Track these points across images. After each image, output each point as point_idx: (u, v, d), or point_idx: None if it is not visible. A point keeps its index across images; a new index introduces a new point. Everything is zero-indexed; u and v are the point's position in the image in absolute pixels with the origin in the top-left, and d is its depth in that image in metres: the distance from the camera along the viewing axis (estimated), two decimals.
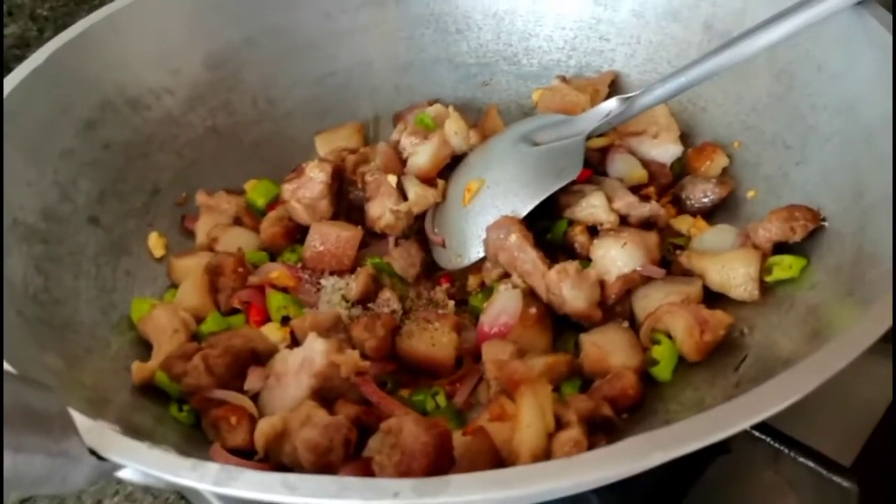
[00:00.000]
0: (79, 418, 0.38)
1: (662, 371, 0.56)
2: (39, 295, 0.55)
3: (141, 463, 0.38)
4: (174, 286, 0.64)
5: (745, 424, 0.38)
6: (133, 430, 0.41)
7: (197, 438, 0.53)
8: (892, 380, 0.64)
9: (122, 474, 0.39)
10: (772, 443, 0.57)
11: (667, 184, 0.70)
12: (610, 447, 0.37)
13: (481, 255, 0.63)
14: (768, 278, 0.59)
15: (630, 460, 0.36)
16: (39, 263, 0.56)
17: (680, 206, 0.68)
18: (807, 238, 0.58)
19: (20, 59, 0.65)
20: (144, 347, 0.58)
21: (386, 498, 0.35)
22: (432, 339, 0.57)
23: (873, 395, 0.63)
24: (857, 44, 0.58)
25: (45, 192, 0.60)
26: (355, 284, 0.61)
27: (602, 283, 0.59)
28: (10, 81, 0.60)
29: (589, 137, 0.67)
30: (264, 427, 0.49)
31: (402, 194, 0.66)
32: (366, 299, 0.62)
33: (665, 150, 0.70)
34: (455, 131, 0.68)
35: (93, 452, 0.38)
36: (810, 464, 0.55)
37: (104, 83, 0.66)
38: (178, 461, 0.38)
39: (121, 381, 0.55)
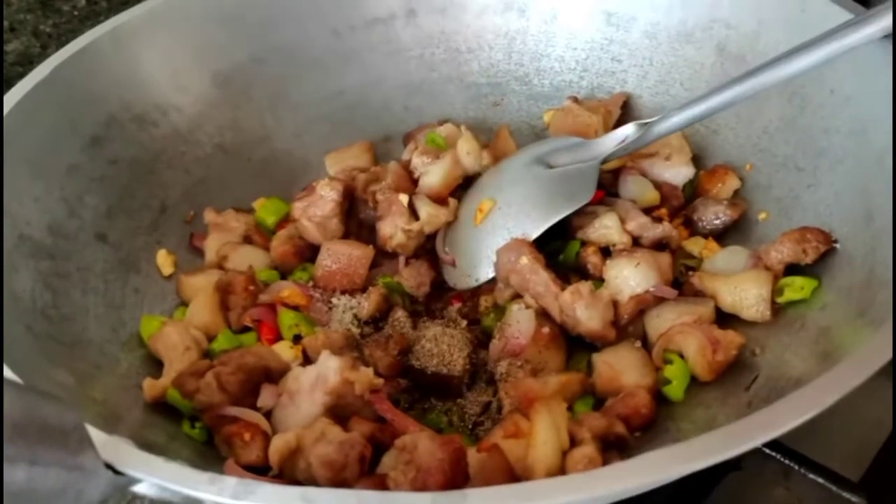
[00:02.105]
0: (94, 433, 0.42)
1: (675, 390, 0.62)
2: (48, 311, 0.60)
3: (158, 476, 0.42)
4: (184, 304, 0.70)
5: (760, 441, 0.42)
6: (146, 447, 0.44)
7: (209, 455, 0.58)
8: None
9: (138, 489, 0.43)
10: (782, 459, 0.63)
11: (679, 206, 0.76)
12: (627, 461, 0.41)
13: (491, 275, 0.70)
14: (780, 299, 0.65)
15: (648, 474, 0.40)
16: (47, 279, 0.62)
17: (692, 228, 0.75)
18: (818, 260, 0.65)
19: (23, 75, 0.70)
20: (154, 365, 0.64)
21: None
22: (444, 357, 0.63)
23: (881, 415, 0.70)
24: (870, 67, 0.64)
25: (52, 208, 0.66)
26: (367, 303, 0.67)
27: (615, 304, 0.66)
28: (14, 95, 0.66)
29: (604, 162, 0.73)
30: (279, 443, 0.55)
31: (414, 214, 0.72)
32: (377, 318, 0.68)
33: (677, 173, 0.77)
34: (467, 151, 0.75)
35: (108, 466, 0.41)
36: (820, 480, 0.61)
37: (110, 98, 0.73)
38: (196, 475, 0.41)
39: (132, 398, 0.60)
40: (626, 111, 0.83)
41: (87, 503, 0.41)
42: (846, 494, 0.58)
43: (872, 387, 0.77)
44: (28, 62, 0.76)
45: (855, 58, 0.63)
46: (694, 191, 0.78)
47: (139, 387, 0.61)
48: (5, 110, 0.64)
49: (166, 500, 0.45)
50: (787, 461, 0.63)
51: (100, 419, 0.52)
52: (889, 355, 0.46)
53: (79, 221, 0.68)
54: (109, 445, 0.42)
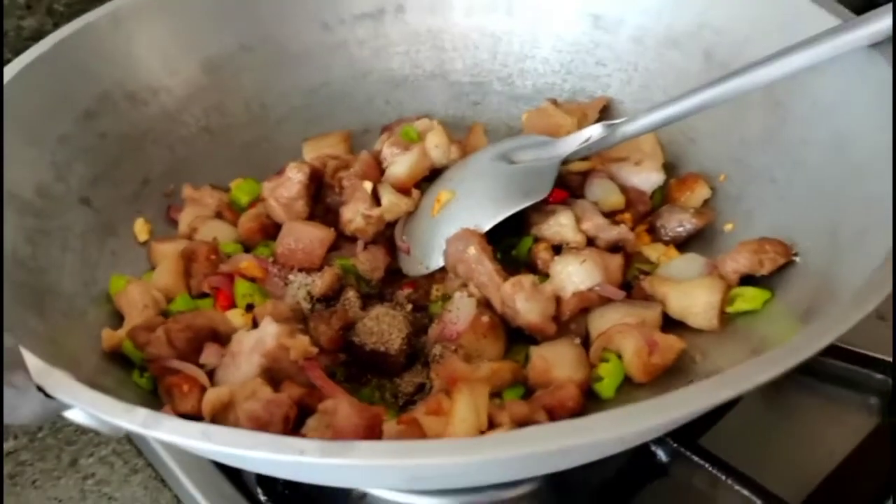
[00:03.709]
0: (32, 360, 0.48)
1: (606, 388, 0.65)
2: (27, 262, 0.66)
3: (82, 402, 0.47)
4: (153, 268, 0.76)
5: (652, 423, 0.43)
6: (98, 390, 0.48)
7: (153, 403, 0.64)
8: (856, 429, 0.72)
9: (70, 415, 0.49)
10: (710, 469, 0.65)
11: (644, 212, 0.78)
12: (517, 431, 0.42)
13: (442, 264, 0.73)
14: (730, 309, 0.67)
15: (536, 443, 0.41)
16: (30, 235, 0.68)
17: (655, 235, 0.77)
18: (774, 272, 0.66)
19: None
20: (118, 320, 0.70)
21: (293, 454, 0.42)
22: (383, 336, 0.67)
23: (835, 445, 0.71)
24: (855, 78, 0.64)
25: (41, 172, 0.72)
26: (321, 282, 0.72)
27: (558, 299, 0.69)
28: (16, 65, 0.72)
29: (566, 161, 0.76)
30: (211, 396, 0.60)
31: (377, 201, 0.77)
32: (330, 297, 0.72)
33: (647, 178, 0.79)
34: (436, 144, 0.79)
35: (40, 390, 0.47)
36: (746, 493, 0.63)
37: (104, 76, 0.79)
38: (114, 404, 0.46)
39: (92, 346, 0.66)
40: (605, 116, 0.86)
41: (23, 419, 0.48)
42: None
43: (835, 413, 0.78)
44: (40, 37, 0.83)
45: (840, 67, 0.64)
46: (663, 198, 0.80)
47: (100, 338, 0.67)
48: (6, 78, 0.71)
49: (98, 430, 0.50)
50: (715, 471, 0.65)
51: (59, 360, 0.55)
52: (811, 350, 0.45)
53: (65, 186, 0.74)
54: (44, 372, 0.48)
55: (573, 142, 0.75)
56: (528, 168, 0.76)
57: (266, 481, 0.70)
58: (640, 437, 0.55)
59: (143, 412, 0.46)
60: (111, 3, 0.80)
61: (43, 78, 0.74)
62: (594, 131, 0.75)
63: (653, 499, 0.67)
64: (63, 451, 0.78)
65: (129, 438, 0.78)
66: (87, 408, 0.47)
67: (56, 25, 0.88)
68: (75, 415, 0.49)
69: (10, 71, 0.72)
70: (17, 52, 0.86)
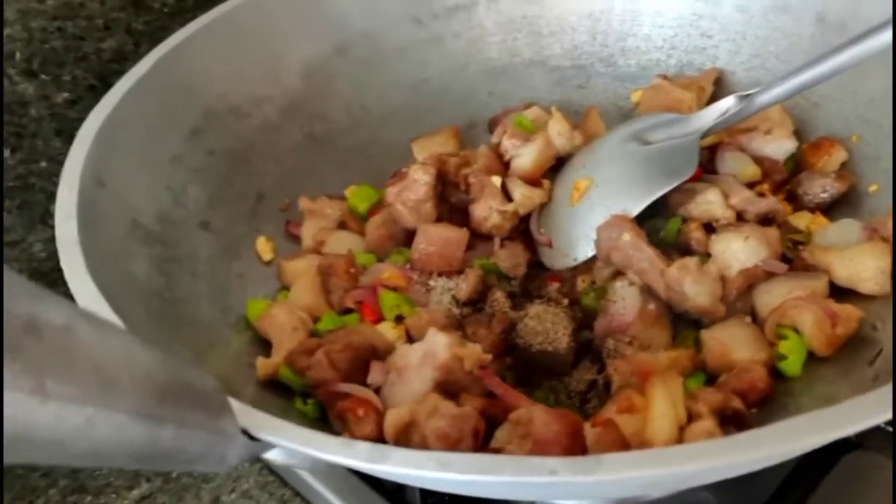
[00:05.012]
0: (230, 400, 0.44)
1: (791, 366, 0.62)
2: (164, 293, 0.63)
3: (292, 441, 0.43)
4: (285, 288, 0.73)
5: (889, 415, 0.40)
6: None
7: (321, 430, 0.59)
8: None
9: (268, 455, 0.45)
10: None
11: (781, 181, 0.76)
12: (756, 430, 0.39)
13: (590, 254, 0.71)
14: None
15: (776, 444, 0.39)
16: (161, 265, 0.65)
17: (796, 203, 0.75)
18: None
19: (118, 73, 0.74)
20: (262, 346, 0.67)
21: (542, 475, 0.39)
22: (548, 335, 0.64)
23: None
24: None
25: (159, 198, 0.69)
26: (465, 285, 0.69)
27: (723, 279, 0.66)
28: (118, 90, 0.69)
29: (704, 136, 0.74)
30: (393, 417, 0.57)
31: (507, 196, 0.74)
32: (475, 300, 0.70)
33: (779, 147, 0.77)
34: (559, 132, 0.77)
35: (244, 432, 0.43)
36: None
37: (206, 91, 0.76)
38: (329, 439, 0.43)
39: (244, 376, 0.63)
40: (718, 88, 0.84)
41: (227, 466, 0.43)
42: None
43: None
44: (123, 59, 0.81)
45: None
46: (796, 165, 0.78)
47: (251, 365, 0.64)
48: (111, 107, 0.68)
49: (293, 465, 0.47)
50: None
51: None
52: None
53: (184, 211, 0.71)
54: (243, 412, 0.44)
55: (710, 115, 0.73)
56: (666, 147, 0.73)
57: (429, 496, 0.67)
58: None
59: (364, 446, 0.42)
60: (202, 17, 0.77)
61: (147, 100, 0.71)
62: (729, 103, 0.72)
63: (847, 472, 0.65)
64: (202, 490, 0.74)
65: (270, 469, 0.75)
66: (299, 446, 0.43)
67: (137, 45, 0.85)
68: (274, 454, 0.46)
69: (116, 94, 0.69)
70: (101, 76, 0.84)
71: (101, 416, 0.31)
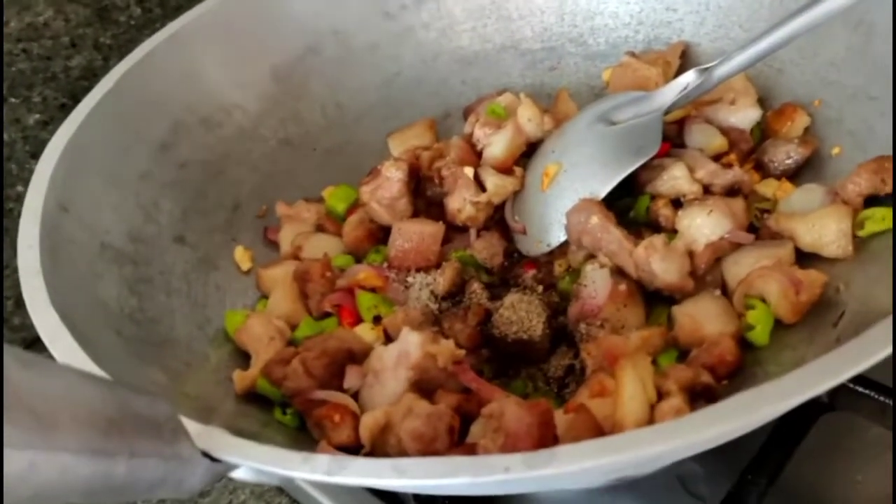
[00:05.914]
0: (188, 423, 0.44)
1: (759, 335, 0.64)
2: (135, 314, 0.64)
3: (253, 460, 0.43)
4: (264, 297, 0.75)
5: (853, 372, 0.41)
6: (240, 436, 0.46)
7: (302, 439, 0.62)
8: None
9: (235, 475, 0.46)
10: (877, 397, 0.65)
11: (748, 150, 0.78)
12: (716, 405, 0.40)
13: (563, 239, 0.73)
14: (861, 233, 0.66)
15: (739, 417, 0.40)
16: (132, 284, 0.66)
17: (764, 171, 0.76)
18: None
19: (89, 89, 0.74)
20: (242, 358, 0.69)
21: (497, 473, 0.40)
22: (524, 323, 0.66)
23: None
24: None
25: (129, 216, 0.70)
26: (442, 279, 0.71)
27: (690, 254, 0.68)
28: (83, 108, 0.70)
29: (667, 112, 0.75)
30: (368, 421, 0.58)
31: (480, 186, 0.76)
32: (454, 293, 0.72)
33: (744, 116, 0.78)
34: (528, 118, 0.78)
35: (205, 454, 0.43)
36: None
37: (174, 104, 0.77)
38: (290, 455, 0.43)
39: (223, 391, 0.64)
40: (685, 61, 0.85)
41: (189, 490, 0.43)
42: None
43: None
44: (93, 75, 0.82)
45: None
46: (762, 133, 0.79)
47: (229, 379, 0.65)
48: (74, 128, 0.68)
49: (262, 483, 0.47)
50: (882, 398, 0.65)
51: (195, 412, 0.53)
52: None
53: (156, 226, 0.72)
54: (204, 434, 0.44)
55: (671, 92, 0.74)
56: (631, 126, 0.75)
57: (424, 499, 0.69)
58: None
59: (324, 459, 0.43)
60: (168, 27, 0.78)
61: (113, 116, 0.72)
62: (689, 78, 0.73)
63: (823, 435, 0.67)
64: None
65: None
66: (260, 465, 0.44)
67: (106, 60, 0.87)
68: (241, 473, 0.46)
69: (79, 114, 0.70)
70: (71, 94, 0.85)
71: (43, 458, 0.32)
